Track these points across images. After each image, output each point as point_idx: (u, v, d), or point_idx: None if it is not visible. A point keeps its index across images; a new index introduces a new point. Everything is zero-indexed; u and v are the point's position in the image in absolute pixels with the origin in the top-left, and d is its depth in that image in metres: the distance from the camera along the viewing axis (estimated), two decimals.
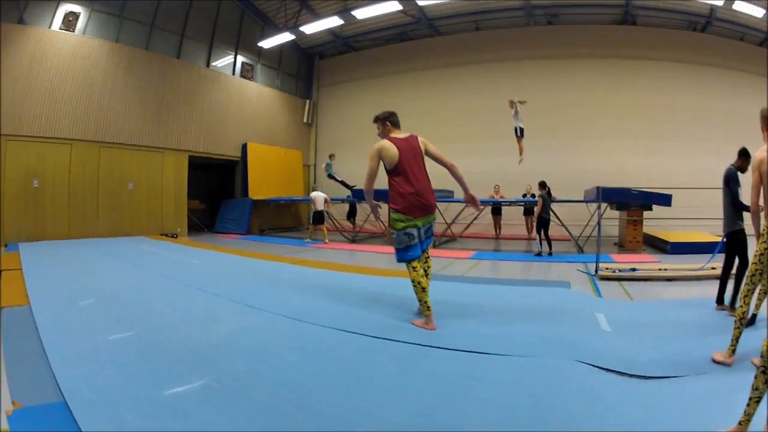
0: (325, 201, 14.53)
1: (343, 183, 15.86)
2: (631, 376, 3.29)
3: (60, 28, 13.19)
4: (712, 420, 2.55)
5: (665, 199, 11.31)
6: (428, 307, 4.43)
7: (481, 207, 5.36)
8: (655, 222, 11.89)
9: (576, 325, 4.59)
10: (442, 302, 5.08)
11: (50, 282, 7.08)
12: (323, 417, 2.71)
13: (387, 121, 4.76)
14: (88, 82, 13.73)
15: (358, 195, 14.58)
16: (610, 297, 6.33)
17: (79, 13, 13.58)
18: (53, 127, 12.98)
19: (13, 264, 8.59)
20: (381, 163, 4.57)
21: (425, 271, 4.69)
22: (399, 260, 4.62)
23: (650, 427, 2.57)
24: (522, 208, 14.84)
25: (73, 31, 13.53)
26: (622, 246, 11.96)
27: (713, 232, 11.04)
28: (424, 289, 4.44)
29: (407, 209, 4.46)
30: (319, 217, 14.46)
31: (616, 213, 12.68)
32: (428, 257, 4.82)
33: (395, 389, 3.13)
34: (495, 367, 3.46)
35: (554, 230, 11.30)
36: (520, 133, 12.66)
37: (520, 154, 12.83)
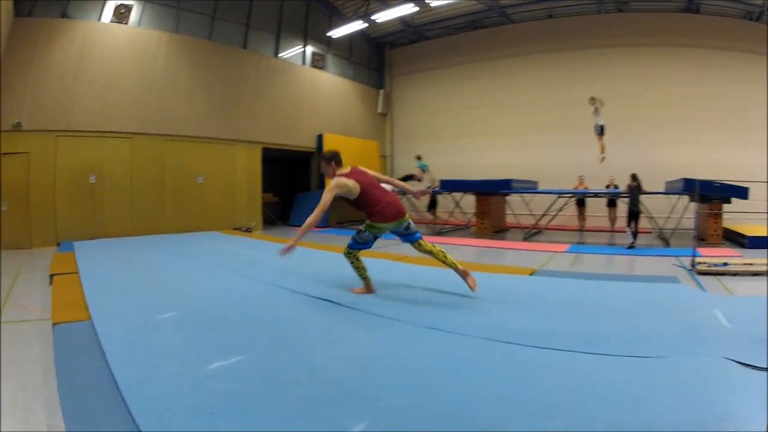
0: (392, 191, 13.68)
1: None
2: None
3: (111, 21, 12.75)
4: None
5: (742, 192, 11.25)
6: (366, 278, 5.57)
7: (421, 194, 6.15)
8: (726, 215, 11.88)
9: (699, 322, 4.45)
10: (575, 302, 5.17)
11: (115, 289, 6.00)
12: None
13: (333, 161, 5.36)
14: (148, 75, 13.34)
15: (444, 187, 14.63)
16: (712, 292, 6.25)
17: (131, 5, 13.09)
18: (111, 122, 12.56)
19: (68, 266, 7.57)
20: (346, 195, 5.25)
21: (433, 251, 5.40)
22: (351, 247, 5.43)
23: None
24: (606, 199, 14.65)
25: (126, 23, 13.03)
26: (702, 240, 11.58)
27: None
28: (365, 269, 5.55)
29: (389, 217, 5.24)
30: None
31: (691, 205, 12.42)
32: (424, 243, 5.47)
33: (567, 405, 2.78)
34: (653, 370, 3.26)
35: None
36: (600, 131, 12.64)
37: (602, 152, 12.80)
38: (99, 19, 12.50)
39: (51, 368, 3.56)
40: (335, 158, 5.40)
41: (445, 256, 5.37)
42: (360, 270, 5.53)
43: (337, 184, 5.17)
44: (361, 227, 5.35)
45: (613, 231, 14.10)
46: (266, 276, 6.78)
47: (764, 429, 2.28)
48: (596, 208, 14.96)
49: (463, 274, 5.34)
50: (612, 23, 16.38)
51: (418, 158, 16.46)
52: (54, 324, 4.41)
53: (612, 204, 14.24)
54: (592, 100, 12.57)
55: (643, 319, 4.53)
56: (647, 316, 4.60)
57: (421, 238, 5.53)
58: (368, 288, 5.58)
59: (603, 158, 12.78)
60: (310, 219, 5.02)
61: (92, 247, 10.01)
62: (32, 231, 11.23)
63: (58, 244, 10.91)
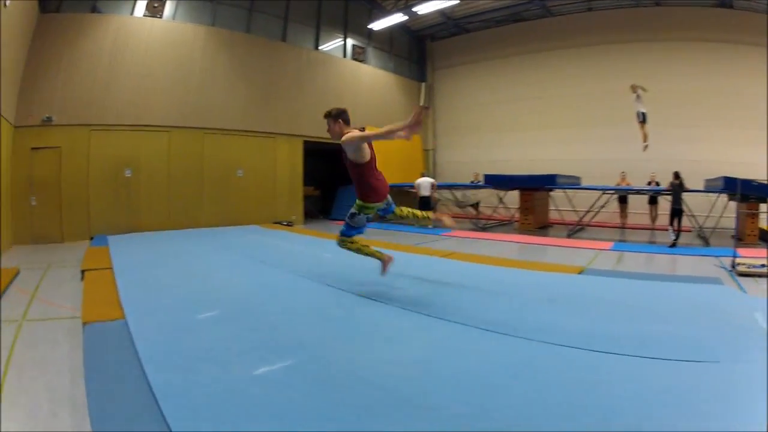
0: (432, 186, 14.23)
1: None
2: None
3: (145, 15, 12.65)
4: None
5: None
6: (377, 253, 5.30)
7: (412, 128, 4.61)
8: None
9: (742, 325, 4.23)
10: (625, 303, 5.00)
11: (151, 285, 5.67)
12: None
13: (340, 119, 4.82)
14: (185, 68, 13.20)
15: (489, 181, 14.42)
16: (752, 294, 6.02)
17: None
18: (147, 115, 12.45)
19: (101, 261, 7.26)
20: (347, 153, 4.71)
21: (404, 214, 5.25)
22: (346, 235, 5.12)
23: None
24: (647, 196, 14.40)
25: (160, 17, 12.92)
26: (740, 239, 11.13)
27: None
28: (367, 246, 5.30)
29: (382, 195, 4.92)
30: (425, 203, 14.15)
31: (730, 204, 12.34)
32: (398, 209, 5.25)
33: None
34: (707, 375, 3.10)
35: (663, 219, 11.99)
36: (642, 119, 12.59)
37: (644, 141, 12.71)
38: (131, 13, 12.43)
39: (80, 370, 3.31)
40: (342, 115, 4.85)
41: (414, 213, 5.32)
42: (362, 250, 5.25)
43: (360, 135, 4.63)
44: (354, 210, 4.97)
45: (654, 229, 13.84)
46: (309, 271, 6.40)
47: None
48: (637, 205, 14.71)
49: (437, 220, 5.41)
50: (650, 17, 16.16)
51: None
52: (84, 323, 4.09)
53: (653, 201, 14.00)
54: (634, 87, 12.52)
55: (692, 321, 4.40)
56: (695, 319, 4.48)
57: (395, 206, 5.28)
58: (385, 259, 5.31)
59: (646, 146, 12.70)
60: (389, 128, 4.49)
61: (127, 241, 9.80)
62: (64, 225, 11.14)
63: (92, 238, 10.75)
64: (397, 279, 5.60)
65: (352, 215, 4.98)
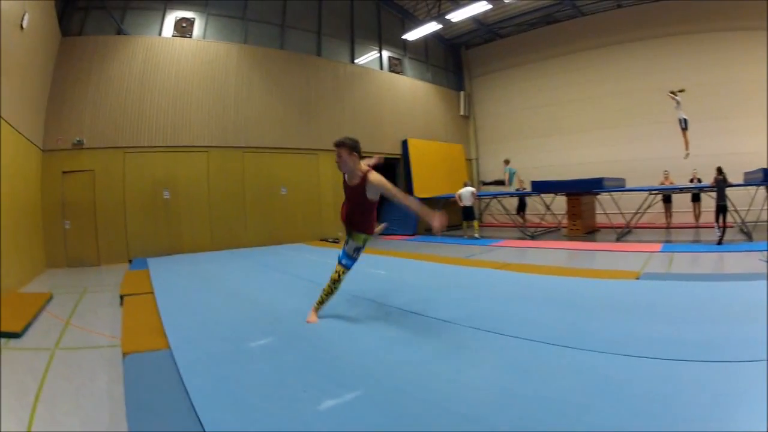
0: (472, 195, 14.38)
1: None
2: None
3: (174, 36, 12.71)
4: None
5: None
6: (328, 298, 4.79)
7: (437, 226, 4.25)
8: None
9: None
10: (688, 306, 4.73)
11: (196, 310, 5.27)
12: None
13: (356, 151, 4.48)
14: (219, 87, 13.23)
15: (536, 188, 14.27)
16: None
17: (193, 18, 13.07)
18: (183, 136, 12.47)
19: (141, 285, 6.92)
20: (368, 193, 4.49)
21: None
22: (346, 266, 4.74)
23: None
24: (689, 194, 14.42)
25: (190, 37, 12.97)
26: None
27: None
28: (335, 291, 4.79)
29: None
30: (468, 213, 14.37)
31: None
32: None
33: None
34: None
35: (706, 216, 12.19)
36: (684, 125, 12.39)
37: (686, 149, 12.47)
38: (159, 34, 12.50)
39: (120, 406, 3.02)
40: (357, 147, 4.51)
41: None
42: (333, 287, 4.76)
43: (389, 188, 4.40)
44: (359, 244, 4.74)
45: (697, 227, 13.82)
46: (365, 291, 5.95)
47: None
48: (679, 203, 14.76)
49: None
50: (679, 9, 16.01)
51: (506, 162, 16.50)
52: (125, 353, 3.70)
53: (696, 199, 14.00)
54: (672, 94, 12.48)
55: (757, 321, 4.09)
56: (760, 319, 4.14)
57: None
58: (314, 313, 4.77)
59: (687, 155, 12.52)
60: (413, 203, 4.43)
61: (168, 264, 9.55)
62: (100, 248, 11.06)
63: (130, 261, 10.64)
64: (459, 295, 5.31)
65: (357, 249, 4.76)
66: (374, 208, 4.66)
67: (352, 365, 3.40)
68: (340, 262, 4.72)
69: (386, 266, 8.29)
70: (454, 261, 8.88)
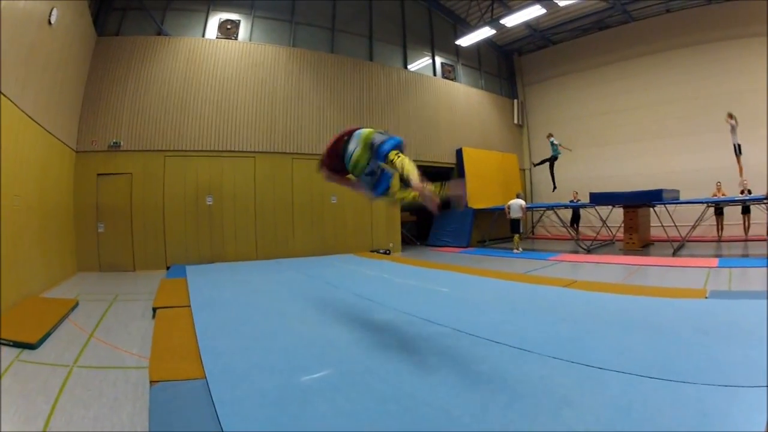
0: (521, 208, 14.29)
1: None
2: None
3: (218, 38, 12.57)
4: None
5: None
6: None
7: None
8: None
9: None
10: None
11: (239, 331, 4.65)
12: None
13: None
14: (267, 90, 12.97)
15: (594, 200, 14.04)
16: None
17: (238, 20, 12.93)
18: (229, 140, 12.24)
19: (177, 296, 6.33)
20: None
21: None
22: (384, 192, 4.56)
23: None
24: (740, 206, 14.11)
25: (236, 39, 12.80)
26: None
27: None
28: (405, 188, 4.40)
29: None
30: (515, 226, 14.34)
31: None
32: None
33: None
34: None
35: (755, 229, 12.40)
36: (738, 151, 12.34)
37: (740, 175, 12.52)
38: (203, 35, 12.37)
39: None
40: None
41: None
42: (407, 194, 4.34)
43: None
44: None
45: (747, 240, 13.73)
46: (431, 313, 5.17)
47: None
48: (729, 216, 14.47)
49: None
50: (725, 13, 15.71)
51: (550, 136, 16.23)
52: (152, 382, 3.09)
53: (746, 211, 13.79)
54: (729, 117, 12.32)
55: None
56: None
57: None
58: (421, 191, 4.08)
59: (742, 182, 12.58)
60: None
61: (208, 273, 9.10)
62: (136, 253, 10.84)
63: (167, 268, 10.37)
64: (536, 318, 4.94)
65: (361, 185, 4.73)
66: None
67: (427, 406, 2.77)
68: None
69: (448, 283, 7.79)
70: (516, 277, 8.43)
